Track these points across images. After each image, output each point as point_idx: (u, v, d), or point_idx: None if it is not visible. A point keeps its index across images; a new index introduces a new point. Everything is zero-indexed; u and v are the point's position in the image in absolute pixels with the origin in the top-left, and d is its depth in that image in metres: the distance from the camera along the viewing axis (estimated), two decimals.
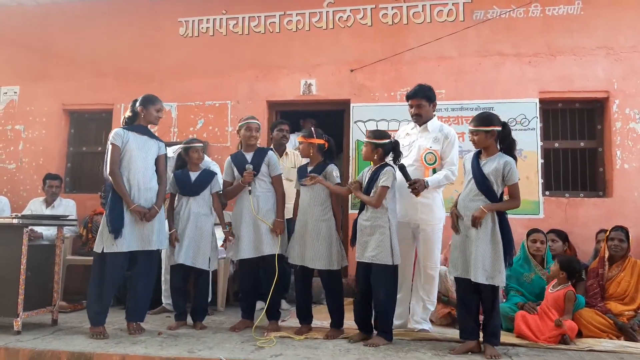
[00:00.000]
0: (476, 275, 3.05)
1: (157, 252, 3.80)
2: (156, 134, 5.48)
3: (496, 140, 3.21)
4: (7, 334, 3.43)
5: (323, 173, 3.58)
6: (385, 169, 3.39)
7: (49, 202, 5.17)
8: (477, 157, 3.26)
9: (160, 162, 3.78)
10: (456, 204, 3.29)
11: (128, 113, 3.80)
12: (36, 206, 5.15)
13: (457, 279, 3.27)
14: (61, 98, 5.98)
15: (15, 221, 3.52)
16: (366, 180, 3.48)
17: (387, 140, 3.47)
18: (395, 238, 3.35)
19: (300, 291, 3.71)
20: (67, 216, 4.25)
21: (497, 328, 3.16)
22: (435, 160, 3.59)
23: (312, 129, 3.70)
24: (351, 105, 5.43)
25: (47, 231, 4.91)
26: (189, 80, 5.73)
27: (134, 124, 3.75)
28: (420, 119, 3.72)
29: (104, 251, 3.47)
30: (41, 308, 3.76)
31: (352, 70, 5.46)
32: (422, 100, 3.71)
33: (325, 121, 5.47)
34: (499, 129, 3.19)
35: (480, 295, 3.15)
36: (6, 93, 6.08)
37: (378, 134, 3.52)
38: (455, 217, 3.24)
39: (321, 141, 3.66)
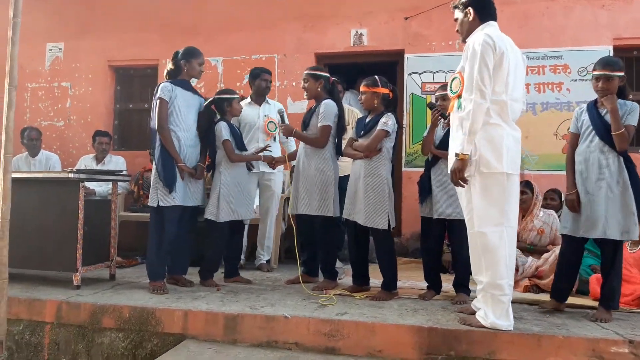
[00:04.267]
0: (608, 231, 2.82)
1: (198, 209, 3.73)
2: (199, 90, 5.51)
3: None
4: (67, 289, 3.44)
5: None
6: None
7: (99, 159, 5.15)
8: (594, 107, 2.99)
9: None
10: (574, 185, 2.99)
11: (170, 66, 3.66)
12: (87, 163, 5.14)
13: (567, 238, 3.04)
14: (106, 54, 5.88)
15: (71, 176, 3.46)
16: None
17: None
18: None
19: (353, 250, 3.55)
20: (121, 171, 4.20)
21: (615, 291, 2.92)
22: (460, 86, 2.64)
23: (377, 77, 3.47)
24: (405, 56, 5.13)
25: (99, 187, 4.93)
26: (234, 34, 5.51)
27: (177, 78, 3.63)
28: (461, 36, 2.84)
29: (160, 205, 3.45)
30: (99, 263, 3.75)
31: (406, 18, 5.12)
32: (454, 11, 2.85)
33: (377, 74, 5.18)
34: (623, 74, 2.94)
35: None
36: (51, 50, 6.03)
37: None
38: (576, 202, 2.96)
39: (386, 90, 3.43)
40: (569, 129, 4.80)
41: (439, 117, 3.30)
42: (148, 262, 3.56)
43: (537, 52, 4.85)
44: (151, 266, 3.52)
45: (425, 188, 3.38)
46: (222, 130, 3.66)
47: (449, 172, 2.67)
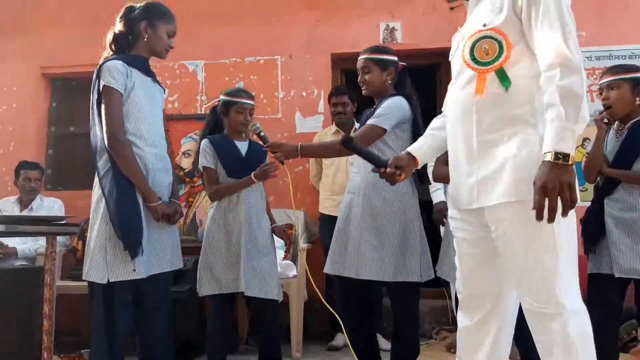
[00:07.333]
0: None
1: (171, 274, 2.29)
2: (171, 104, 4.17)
3: None
4: None
5: None
6: None
7: (24, 203, 3.64)
8: None
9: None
10: None
11: (119, 27, 2.22)
12: (6, 207, 3.61)
13: None
14: (39, 59, 4.37)
15: None
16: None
17: None
18: None
19: None
20: (61, 218, 2.66)
21: None
22: (500, 51, 1.47)
23: None
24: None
25: (23, 245, 3.43)
26: (221, 29, 4.19)
27: (130, 51, 2.21)
28: None
29: (111, 280, 2.01)
30: None
31: (452, 9, 3.98)
32: None
33: (415, 79, 4.05)
34: None
35: None
36: None
37: None
38: None
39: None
40: None
41: (606, 121, 2.29)
42: None
43: (621, 50, 3.88)
44: None
45: (594, 229, 2.15)
46: (201, 153, 2.54)
47: (539, 185, 1.26)
